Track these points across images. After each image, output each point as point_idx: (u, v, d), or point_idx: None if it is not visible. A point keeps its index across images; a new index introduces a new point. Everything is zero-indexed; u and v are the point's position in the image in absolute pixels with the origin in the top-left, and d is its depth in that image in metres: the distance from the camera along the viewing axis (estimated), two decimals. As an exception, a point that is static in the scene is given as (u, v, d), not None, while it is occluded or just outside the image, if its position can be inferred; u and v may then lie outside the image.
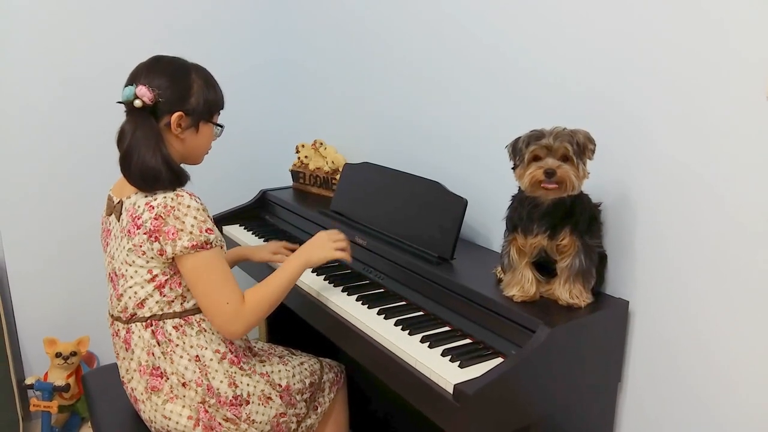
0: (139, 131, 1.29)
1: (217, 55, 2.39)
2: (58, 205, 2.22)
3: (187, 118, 1.35)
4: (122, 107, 1.35)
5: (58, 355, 2.14)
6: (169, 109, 1.32)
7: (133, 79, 1.33)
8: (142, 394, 1.36)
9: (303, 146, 2.29)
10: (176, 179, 1.31)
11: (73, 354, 2.16)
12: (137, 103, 1.29)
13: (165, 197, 1.27)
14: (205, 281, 1.29)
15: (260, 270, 1.81)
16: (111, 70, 2.18)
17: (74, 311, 2.30)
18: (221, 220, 2.17)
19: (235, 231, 2.10)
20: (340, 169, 2.06)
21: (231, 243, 2.05)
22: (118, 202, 1.35)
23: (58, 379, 2.14)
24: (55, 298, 2.27)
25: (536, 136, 1.23)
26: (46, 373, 2.18)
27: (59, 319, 2.28)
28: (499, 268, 1.42)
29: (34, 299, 2.23)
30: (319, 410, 1.54)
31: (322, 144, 2.23)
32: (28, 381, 2.16)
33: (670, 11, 1.22)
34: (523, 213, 1.31)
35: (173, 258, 1.28)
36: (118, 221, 1.34)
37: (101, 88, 2.18)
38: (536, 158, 1.23)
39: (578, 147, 1.21)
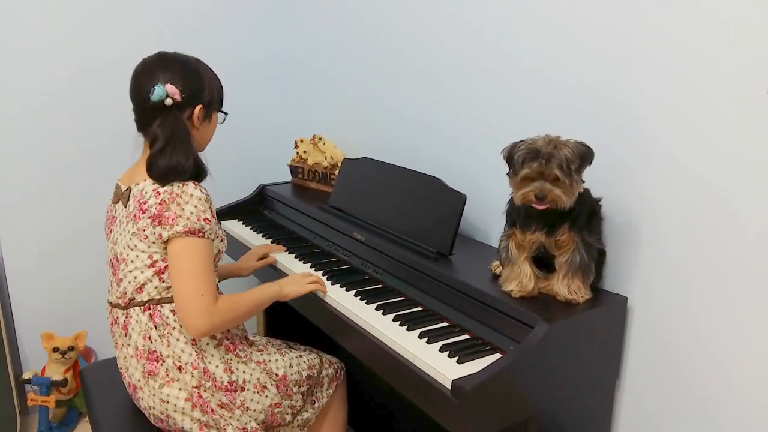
0: (175, 132, 1.34)
1: (217, 51, 2.36)
2: (56, 200, 2.21)
3: (205, 109, 1.40)
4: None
5: (55, 349, 2.14)
6: (191, 104, 1.37)
7: (150, 78, 1.34)
8: (139, 380, 1.36)
9: (302, 141, 2.28)
10: (194, 175, 1.35)
11: (71, 349, 2.15)
12: (168, 101, 1.32)
13: (172, 185, 1.31)
14: (187, 267, 1.29)
15: (265, 272, 1.80)
16: (109, 69, 2.18)
17: (72, 306, 2.29)
18: (220, 215, 2.16)
19: (234, 226, 2.09)
20: (339, 165, 2.05)
21: (230, 238, 2.04)
22: (126, 189, 1.38)
23: (56, 373, 2.14)
24: (53, 293, 2.26)
25: (531, 156, 1.22)
26: (44, 368, 2.18)
27: (57, 313, 2.27)
28: (495, 263, 1.42)
29: (31, 294, 2.23)
30: (316, 405, 1.54)
31: (321, 139, 2.22)
32: (26, 376, 2.15)
33: (670, 11, 1.21)
34: (522, 209, 1.31)
35: (167, 241, 1.29)
36: (125, 207, 1.37)
37: (100, 86, 2.18)
38: (529, 177, 1.24)
39: (568, 166, 1.20)
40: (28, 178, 2.16)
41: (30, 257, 2.20)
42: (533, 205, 1.24)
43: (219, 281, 1.70)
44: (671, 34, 1.22)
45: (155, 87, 1.31)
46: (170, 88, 1.32)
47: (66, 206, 2.22)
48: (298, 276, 1.55)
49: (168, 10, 2.29)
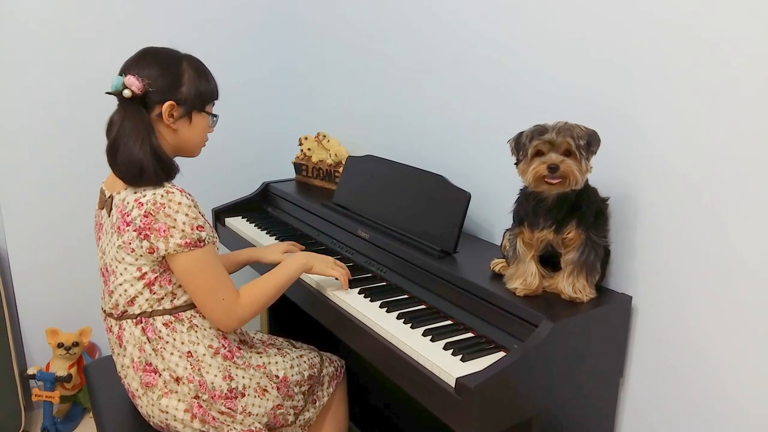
0: (128, 121, 1.27)
1: (222, 48, 2.39)
2: (60, 196, 2.21)
3: (179, 107, 1.32)
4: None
5: (60, 345, 2.14)
6: (159, 99, 1.30)
7: (124, 71, 1.31)
8: (137, 389, 1.36)
9: (306, 139, 2.28)
10: (164, 172, 1.28)
11: (75, 344, 2.16)
12: (126, 93, 1.27)
13: (155, 194, 1.25)
14: (200, 279, 1.29)
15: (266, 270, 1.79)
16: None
17: (76, 302, 2.30)
18: (224, 212, 2.16)
19: (238, 223, 2.10)
20: (343, 162, 2.05)
21: (234, 235, 2.05)
22: (109, 197, 1.34)
23: (60, 369, 2.15)
24: (58, 288, 2.27)
25: (539, 131, 1.23)
26: (48, 364, 2.19)
27: (61, 309, 2.28)
28: (495, 261, 1.43)
29: (36, 290, 2.24)
30: (317, 404, 1.54)
31: (325, 137, 2.22)
32: (30, 371, 2.16)
33: (670, 11, 1.21)
34: (529, 208, 1.31)
35: (164, 256, 1.27)
36: (109, 216, 1.33)
37: (105, 86, 2.17)
38: (539, 153, 1.23)
39: (579, 139, 1.21)
40: (34, 173, 2.16)
41: (35, 253, 2.21)
42: (546, 181, 1.21)
43: (237, 270, 1.69)
44: (671, 34, 1.21)
45: (114, 78, 1.28)
46: (129, 79, 1.26)
47: (71, 202, 2.23)
48: (330, 258, 1.55)
49: (168, 10, 2.28)
